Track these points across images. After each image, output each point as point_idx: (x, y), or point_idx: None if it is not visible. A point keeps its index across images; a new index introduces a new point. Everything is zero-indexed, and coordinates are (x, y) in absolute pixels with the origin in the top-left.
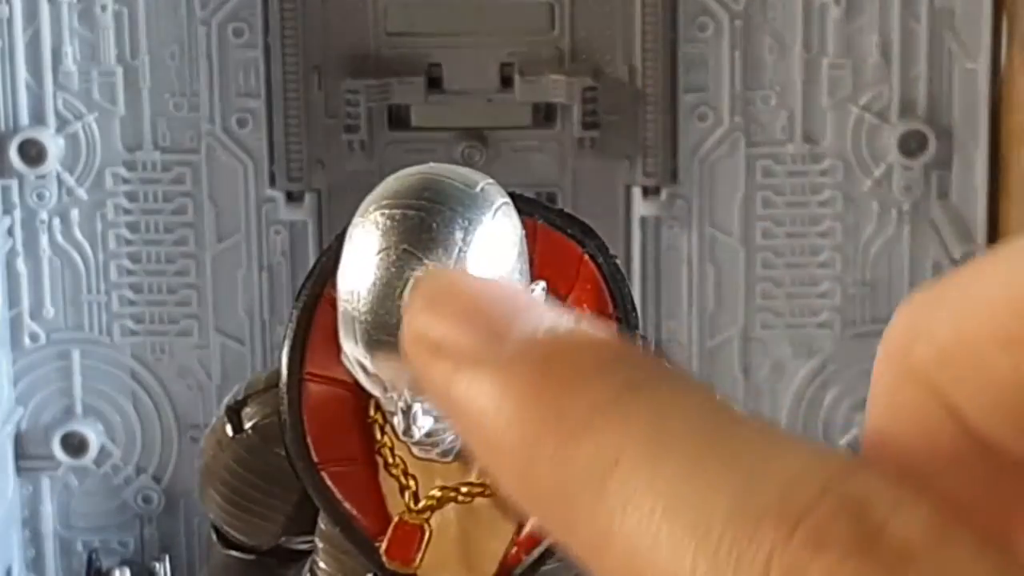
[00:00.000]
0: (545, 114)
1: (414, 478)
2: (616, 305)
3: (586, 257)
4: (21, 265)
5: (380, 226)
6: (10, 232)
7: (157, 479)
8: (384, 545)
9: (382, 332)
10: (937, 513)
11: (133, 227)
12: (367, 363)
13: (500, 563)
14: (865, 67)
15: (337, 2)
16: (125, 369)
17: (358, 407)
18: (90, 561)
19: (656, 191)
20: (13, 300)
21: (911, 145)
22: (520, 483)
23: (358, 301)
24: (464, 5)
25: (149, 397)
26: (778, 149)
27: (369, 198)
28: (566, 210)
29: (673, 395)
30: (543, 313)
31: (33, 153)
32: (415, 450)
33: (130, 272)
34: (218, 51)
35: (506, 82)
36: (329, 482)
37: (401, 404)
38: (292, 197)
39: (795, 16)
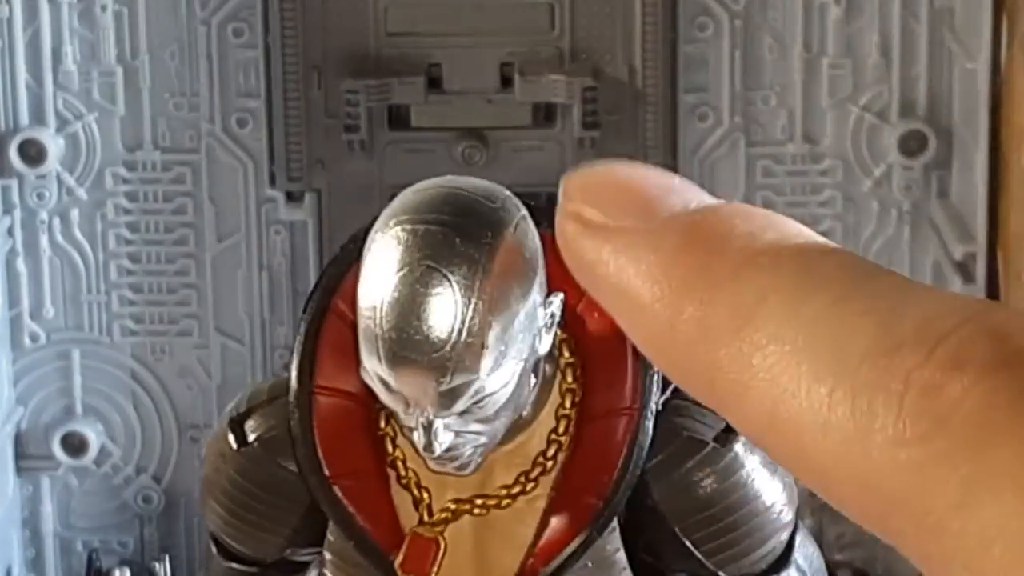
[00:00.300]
0: (545, 114)
1: (427, 491)
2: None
3: None
4: (21, 265)
5: (402, 241)
6: (10, 232)
7: (157, 479)
8: (399, 559)
9: (406, 349)
10: None
11: (133, 227)
12: (391, 380)
13: (515, 575)
14: (865, 67)
15: (337, 2)
16: (125, 369)
17: (367, 420)
18: (90, 561)
19: None
20: (13, 300)
21: (911, 145)
22: (662, 339)
23: (381, 318)
24: (464, 5)
25: (149, 397)
26: (778, 149)
27: (387, 212)
28: None
29: (821, 249)
30: (693, 192)
31: (33, 153)
32: (431, 464)
33: (130, 272)
34: (218, 51)
35: (506, 82)
36: (342, 496)
37: (423, 420)
38: (292, 197)
39: (795, 16)
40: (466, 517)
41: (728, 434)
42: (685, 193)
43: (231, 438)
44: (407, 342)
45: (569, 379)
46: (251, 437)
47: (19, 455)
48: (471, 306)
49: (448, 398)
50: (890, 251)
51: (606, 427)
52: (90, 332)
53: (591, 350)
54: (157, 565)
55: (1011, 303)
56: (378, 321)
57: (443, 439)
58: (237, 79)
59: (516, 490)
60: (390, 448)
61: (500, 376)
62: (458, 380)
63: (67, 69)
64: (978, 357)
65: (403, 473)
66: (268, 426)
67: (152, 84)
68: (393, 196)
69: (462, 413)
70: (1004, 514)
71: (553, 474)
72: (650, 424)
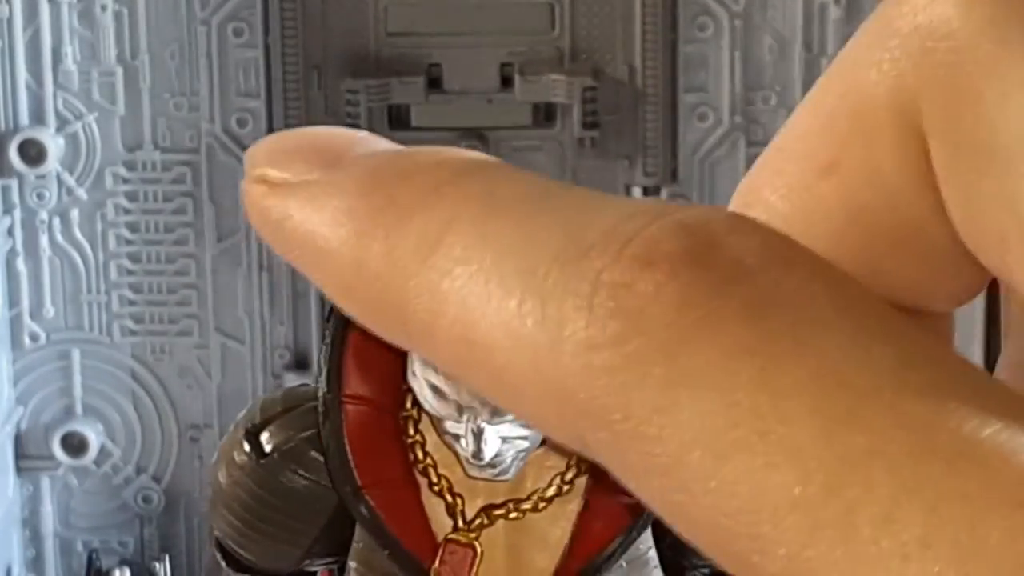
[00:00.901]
0: (545, 114)
1: (460, 497)
2: None
3: None
4: (21, 265)
5: None
6: (10, 232)
7: (157, 479)
8: (435, 566)
9: None
10: (777, 238)
11: (133, 227)
12: (446, 387)
13: None
14: None
15: (337, 2)
16: (125, 369)
17: (395, 428)
18: (90, 561)
19: (656, 191)
20: (13, 300)
21: None
22: (350, 281)
23: None
24: (464, 5)
25: (149, 397)
26: None
27: None
28: None
29: (506, 171)
30: (380, 142)
31: (33, 153)
32: (471, 470)
33: (130, 272)
34: (218, 51)
35: (506, 82)
36: (374, 505)
37: (473, 427)
38: None
39: (795, 16)
40: (499, 521)
41: None
42: (371, 143)
43: (247, 447)
44: None
45: None
46: (268, 448)
47: (19, 455)
48: None
49: None
50: None
51: None
52: (90, 332)
53: None
54: (157, 565)
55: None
56: None
57: (492, 446)
58: (237, 79)
59: (552, 493)
60: (420, 455)
61: None
62: None
63: (67, 69)
64: (669, 253)
65: (434, 480)
66: (286, 436)
67: (152, 84)
68: None
69: (512, 419)
70: (702, 414)
71: (586, 475)
72: None
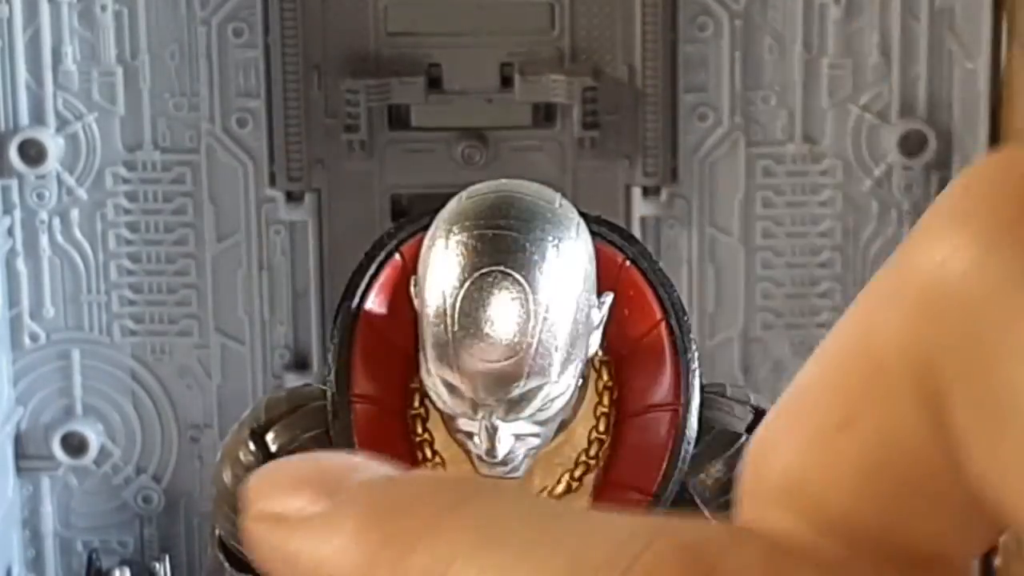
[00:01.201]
0: (545, 114)
1: None
2: (665, 310)
3: (627, 263)
4: (21, 265)
5: (470, 247)
6: (10, 232)
7: (157, 479)
8: None
9: (481, 355)
10: (778, 553)
11: (133, 227)
12: (462, 385)
13: None
14: (865, 67)
15: (337, 2)
16: (125, 369)
17: (403, 427)
18: (90, 561)
19: (656, 191)
20: (13, 300)
21: (911, 145)
22: None
23: (452, 323)
24: (464, 5)
25: (149, 397)
26: (778, 149)
27: (444, 219)
28: (604, 217)
29: (497, 502)
30: (371, 467)
31: (33, 153)
32: (483, 469)
33: (130, 272)
34: (218, 51)
35: (506, 82)
36: None
37: (487, 425)
38: (292, 197)
39: (795, 16)
40: None
41: (758, 424)
42: (368, 470)
43: (252, 447)
44: (482, 348)
45: (605, 377)
46: (274, 447)
47: (19, 455)
48: (544, 309)
49: (519, 402)
50: (890, 251)
51: (646, 423)
52: (90, 332)
53: (625, 348)
54: (157, 565)
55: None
56: (449, 327)
57: (506, 444)
58: (237, 79)
59: (561, 490)
60: (429, 453)
61: (566, 378)
62: (532, 384)
63: (67, 69)
64: (670, 573)
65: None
66: (291, 436)
67: (152, 84)
68: (393, 196)
69: (527, 417)
70: None
71: (594, 472)
72: (694, 420)
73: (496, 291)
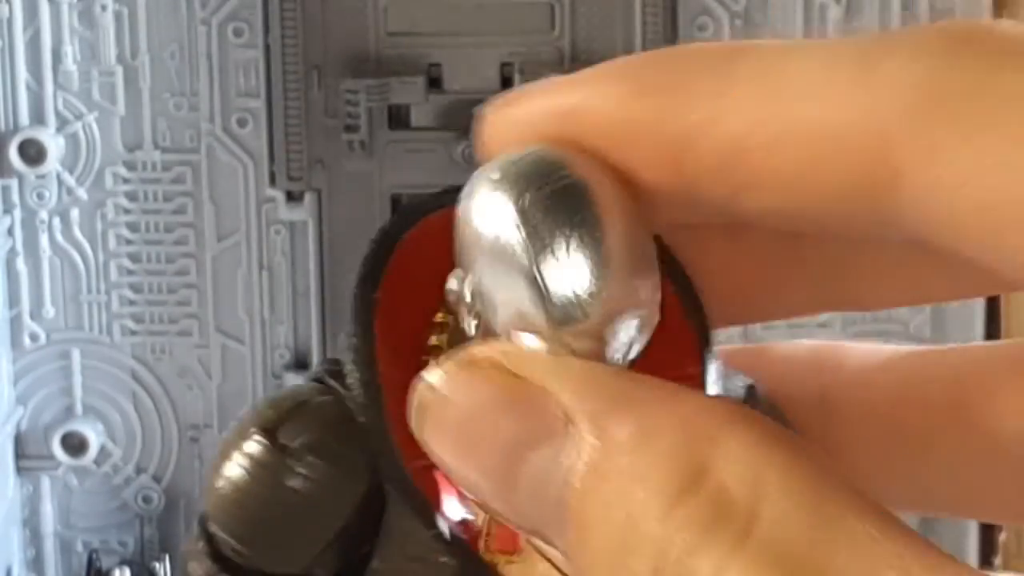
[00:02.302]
0: None
1: None
2: (684, 304)
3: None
4: (21, 265)
5: (542, 208)
6: (10, 232)
7: (157, 479)
8: (483, 540)
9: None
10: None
11: (133, 227)
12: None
13: None
14: None
15: (337, 2)
16: (125, 369)
17: None
18: (90, 561)
19: None
20: (13, 300)
21: None
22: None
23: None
24: (464, 5)
25: (149, 397)
26: None
27: (485, 184)
28: None
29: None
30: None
31: (33, 153)
32: None
33: (130, 272)
34: (218, 51)
35: (506, 82)
36: (422, 490)
37: None
38: (292, 197)
39: (795, 16)
40: None
41: (750, 401)
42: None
43: (267, 443)
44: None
45: None
46: (296, 443)
47: (19, 455)
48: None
49: None
50: None
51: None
52: (90, 332)
53: None
54: (157, 565)
55: (1011, 303)
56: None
57: None
58: (237, 79)
59: None
60: None
61: None
62: None
63: (67, 69)
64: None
65: None
66: (308, 430)
67: (152, 84)
68: (393, 196)
69: None
70: None
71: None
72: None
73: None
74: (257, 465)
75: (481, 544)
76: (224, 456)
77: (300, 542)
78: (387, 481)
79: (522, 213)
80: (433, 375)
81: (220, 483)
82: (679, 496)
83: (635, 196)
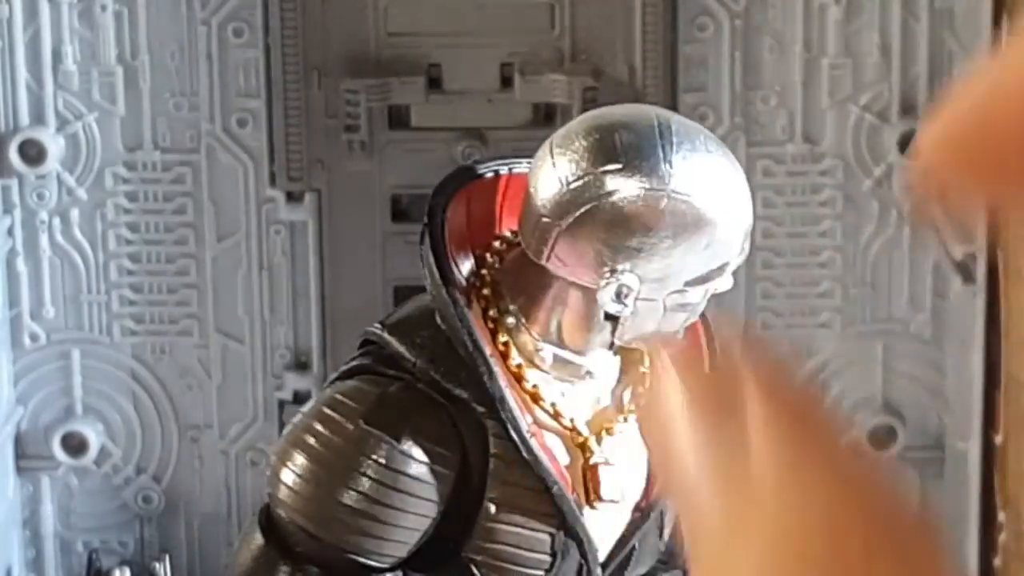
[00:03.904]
0: (545, 114)
1: (573, 422)
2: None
3: None
4: (21, 265)
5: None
6: (10, 232)
7: (157, 479)
8: (587, 493)
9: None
10: None
11: (133, 227)
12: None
13: (643, 492)
14: (865, 67)
15: (337, 2)
16: (125, 369)
17: (518, 377)
18: (90, 561)
19: None
20: (13, 300)
21: (911, 145)
22: None
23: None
24: (464, 5)
25: (149, 397)
26: (778, 149)
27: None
28: None
29: None
30: None
31: (33, 153)
32: (554, 376)
33: (130, 272)
34: (218, 51)
35: (506, 82)
36: (536, 447)
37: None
38: (292, 197)
39: (795, 16)
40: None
41: None
42: None
43: (386, 439)
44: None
45: None
46: (404, 430)
47: (19, 455)
48: None
49: None
50: (890, 251)
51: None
52: (90, 332)
53: None
54: (157, 565)
55: (1011, 303)
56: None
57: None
58: (237, 79)
59: (632, 406)
60: (532, 389)
61: None
62: None
63: (67, 69)
64: None
65: (551, 411)
66: (413, 422)
67: (152, 84)
68: (393, 196)
69: None
70: None
71: None
72: None
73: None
74: (376, 464)
75: (586, 497)
76: (327, 462)
77: (409, 527)
78: (527, 452)
79: None
80: None
81: (333, 490)
82: None
83: None
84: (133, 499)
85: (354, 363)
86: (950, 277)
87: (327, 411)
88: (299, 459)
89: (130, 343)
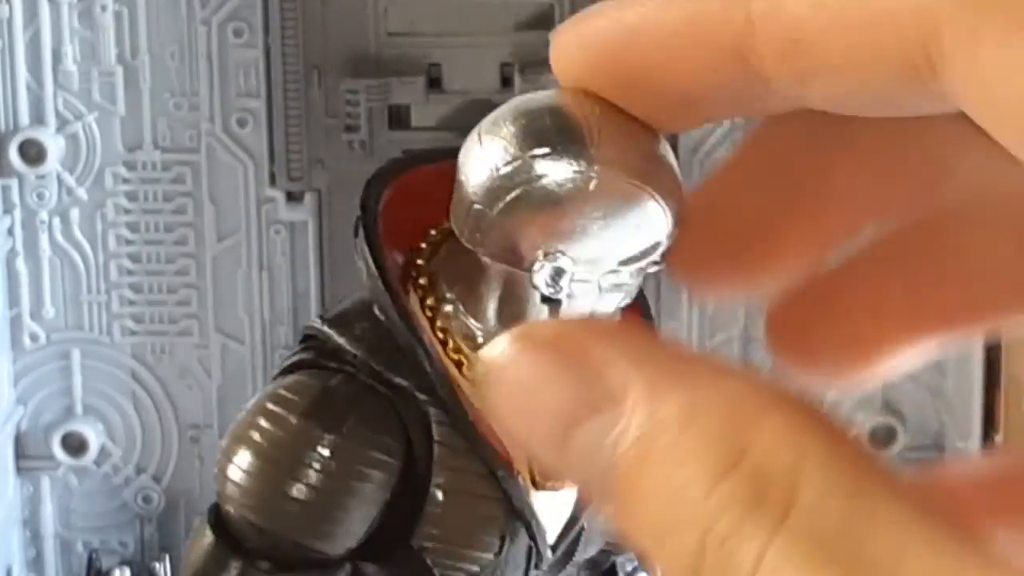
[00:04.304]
0: None
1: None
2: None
3: None
4: (21, 265)
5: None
6: (10, 232)
7: (157, 479)
8: (533, 475)
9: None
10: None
11: (133, 227)
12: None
13: None
14: None
15: (337, 2)
16: (125, 369)
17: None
18: (90, 561)
19: None
20: (13, 300)
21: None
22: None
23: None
24: (464, 5)
25: (149, 397)
26: None
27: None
28: None
29: None
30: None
31: (33, 153)
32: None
33: (130, 272)
34: (218, 51)
35: (506, 82)
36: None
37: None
38: (292, 197)
39: None
40: None
41: None
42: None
43: (327, 430)
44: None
45: None
46: (347, 427)
47: (19, 455)
48: None
49: None
50: None
51: None
52: (90, 332)
53: None
54: (157, 565)
55: None
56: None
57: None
58: (237, 79)
59: None
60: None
61: None
62: None
63: (67, 69)
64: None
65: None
66: (355, 409)
67: (152, 84)
68: None
69: None
70: None
71: None
72: None
73: None
74: (319, 452)
75: (531, 479)
76: (277, 445)
77: (354, 518)
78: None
79: (510, 139)
80: (497, 346)
81: (275, 473)
82: (722, 475)
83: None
84: (133, 499)
85: (295, 358)
86: None
87: (270, 406)
88: (244, 454)
89: (130, 343)
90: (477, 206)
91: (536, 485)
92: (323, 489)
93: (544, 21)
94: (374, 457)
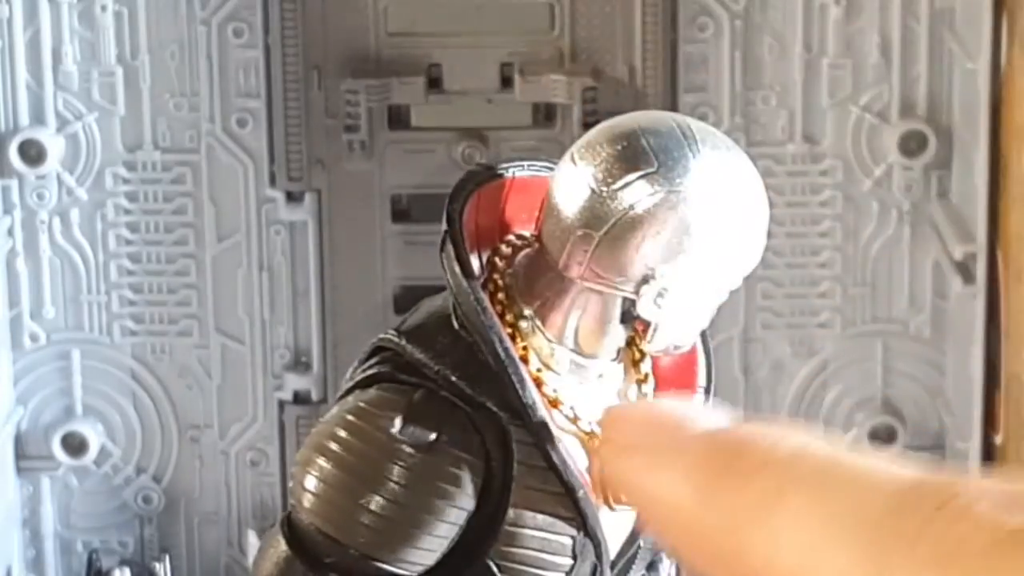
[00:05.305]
0: (545, 114)
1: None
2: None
3: None
4: (21, 265)
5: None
6: (10, 232)
7: (157, 479)
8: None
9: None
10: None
11: (133, 227)
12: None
13: None
14: (865, 67)
15: (337, 2)
16: (125, 369)
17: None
18: (90, 561)
19: None
20: (13, 300)
21: (911, 145)
22: (694, 530)
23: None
24: (464, 5)
25: (149, 397)
26: (778, 149)
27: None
28: None
29: (832, 456)
30: (708, 416)
31: (33, 153)
32: (575, 384)
33: (130, 272)
34: (218, 51)
35: (506, 82)
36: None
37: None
38: (292, 197)
39: (795, 16)
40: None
41: None
42: (706, 419)
43: (408, 439)
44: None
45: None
46: (431, 437)
47: (19, 455)
48: None
49: None
50: (890, 251)
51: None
52: (90, 332)
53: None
54: (157, 565)
55: (1011, 303)
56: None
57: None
58: (237, 79)
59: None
60: (551, 394)
61: None
62: None
63: (67, 69)
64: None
65: (570, 415)
66: (438, 422)
67: (152, 84)
68: (393, 196)
69: None
70: None
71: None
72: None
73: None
74: (399, 467)
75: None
76: (353, 468)
77: (434, 536)
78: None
79: None
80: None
81: (359, 495)
82: None
83: None
84: (133, 499)
85: (371, 371)
86: (950, 277)
87: (351, 418)
88: (324, 465)
89: (130, 343)
90: (580, 231)
91: (608, 505)
92: (404, 504)
93: (544, 21)
94: (456, 474)
